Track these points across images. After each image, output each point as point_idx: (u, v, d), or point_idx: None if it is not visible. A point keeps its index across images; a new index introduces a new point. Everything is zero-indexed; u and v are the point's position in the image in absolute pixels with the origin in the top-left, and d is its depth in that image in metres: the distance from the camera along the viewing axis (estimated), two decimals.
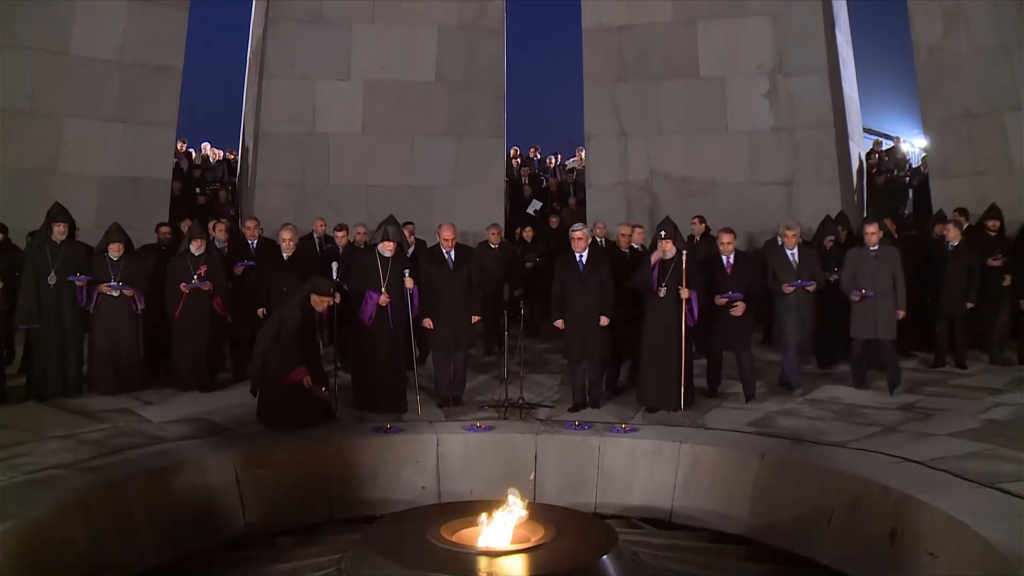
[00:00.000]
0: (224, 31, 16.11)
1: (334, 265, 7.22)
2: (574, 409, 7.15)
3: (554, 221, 11.09)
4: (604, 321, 7.11)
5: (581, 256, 7.21)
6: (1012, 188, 9.36)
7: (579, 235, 7.24)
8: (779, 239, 9.40)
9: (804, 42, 11.05)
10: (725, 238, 7.37)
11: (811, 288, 7.43)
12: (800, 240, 7.79)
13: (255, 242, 8.41)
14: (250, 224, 8.63)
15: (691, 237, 9.43)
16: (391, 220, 7.38)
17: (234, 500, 5.78)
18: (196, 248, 7.62)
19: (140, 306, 7.47)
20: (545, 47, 19.48)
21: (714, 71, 11.33)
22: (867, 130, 13.39)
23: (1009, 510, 4.64)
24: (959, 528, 4.51)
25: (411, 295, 7.12)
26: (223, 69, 15.48)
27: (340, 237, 8.93)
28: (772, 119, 11.14)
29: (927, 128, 11.03)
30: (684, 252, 6.94)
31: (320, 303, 6.69)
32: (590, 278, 7.14)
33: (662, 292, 6.94)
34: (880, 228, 7.45)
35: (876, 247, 7.36)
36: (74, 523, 4.85)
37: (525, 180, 13.37)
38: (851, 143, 11.51)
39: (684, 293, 6.87)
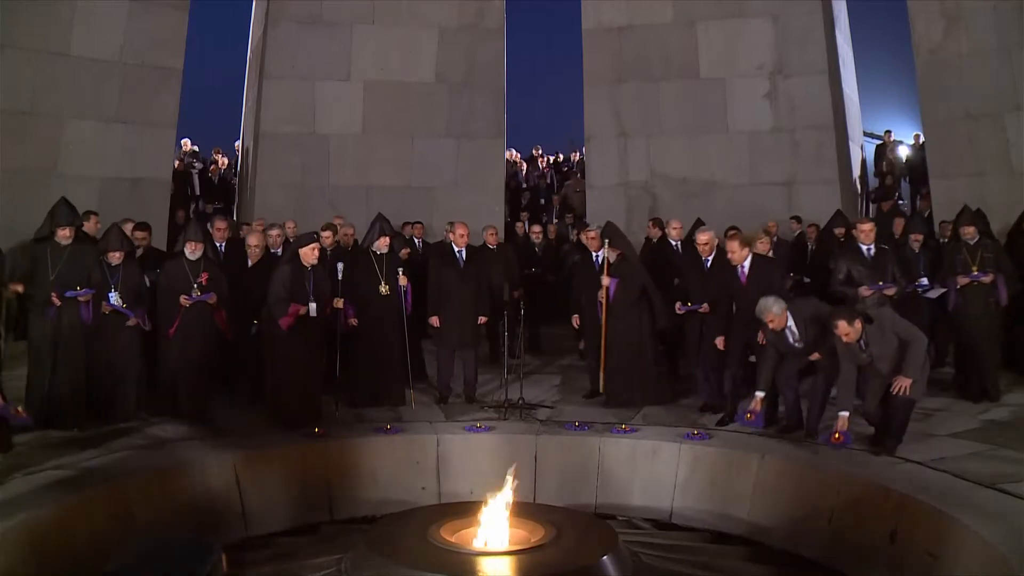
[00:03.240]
0: (224, 32, 16.11)
1: (339, 265, 7.24)
2: (589, 396, 7.45)
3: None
4: None
5: (597, 255, 7.44)
6: (1012, 189, 9.36)
7: (593, 235, 7.54)
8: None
9: (804, 43, 11.05)
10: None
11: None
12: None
13: (223, 245, 7.87)
14: (220, 225, 8.01)
15: (647, 240, 9.42)
16: (381, 218, 7.50)
17: (234, 500, 5.78)
18: (192, 252, 6.76)
19: (147, 325, 6.66)
20: (545, 48, 19.48)
21: (714, 72, 11.33)
22: (867, 134, 13.38)
23: (1009, 511, 4.64)
24: (959, 529, 4.51)
25: (405, 292, 7.21)
26: (223, 70, 15.47)
27: (327, 237, 8.07)
28: (772, 120, 11.14)
29: (927, 129, 11.03)
30: (607, 243, 7.18)
31: (310, 254, 6.75)
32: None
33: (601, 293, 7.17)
34: (851, 321, 5.67)
35: (863, 338, 5.75)
36: (74, 523, 4.85)
37: (524, 222, 12.10)
38: (851, 144, 11.52)
39: (604, 281, 7.09)
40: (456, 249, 7.53)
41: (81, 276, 6.33)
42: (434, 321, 7.43)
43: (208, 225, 8.18)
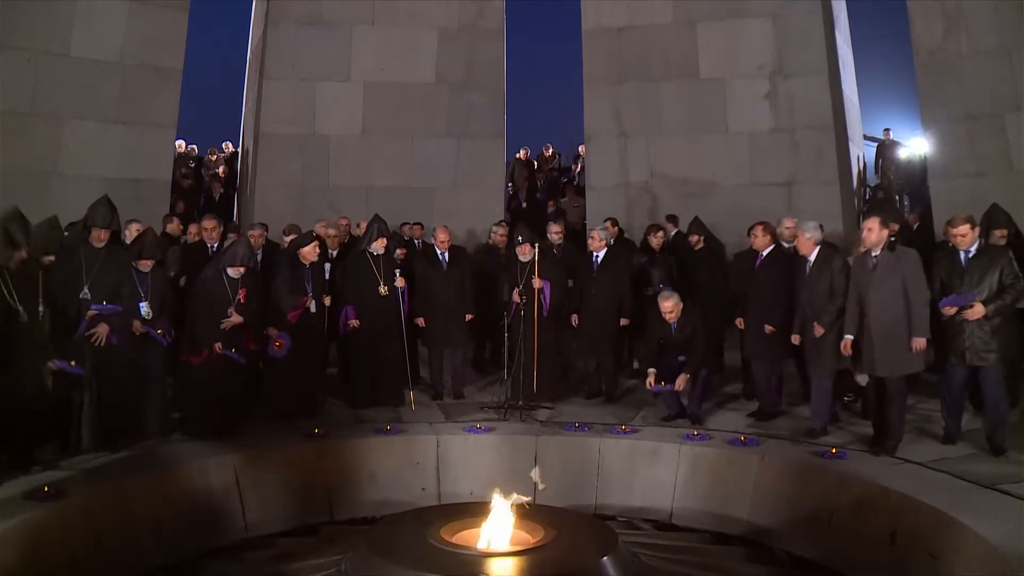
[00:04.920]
0: (224, 32, 16.12)
1: (327, 265, 7.31)
2: (588, 396, 7.56)
3: None
4: (623, 321, 7.52)
5: (597, 256, 7.55)
6: (1012, 189, 9.33)
7: (594, 235, 7.68)
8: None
9: (804, 43, 11.04)
10: (667, 305, 6.66)
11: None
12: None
13: (214, 245, 7.57)
14: (208, 225, 7.67)
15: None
16: (377, 219, 7.55)
17: (234, 501, 5.79)
18: (236, 272, 6.46)
19: (169, 338, 6.35)
20: (545, 48, 19.48)
21: (714, 72, 11.32)
22: (868, 137, 13.35)
23: (1009, 511, 4.65)
24: (959, 529, 4.52)
25: (402, 293, 7.26)
26: (223, 70, 15.47)
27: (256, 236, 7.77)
28: (772, 120, 11.12)
29: (927, 130, 11.03)
30: (537, 245, 7.29)
31: (310, 253, 6.96)
32: (603, 277, 7.35)
33: (525, 295, 7.26)
34: (883, 225, 5.80)
35: (877, 253, 5.82)
36: (74, 523, 4.85)
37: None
38: (851, 144, 11.51)
39: (536, 283, 7.19)
40: (439, 252, 7.67)
41: (113, 285, 5.97)
42: (420, 321, 7.57)
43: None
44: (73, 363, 5.50)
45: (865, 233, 5.79)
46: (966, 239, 5.80)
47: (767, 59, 11.12)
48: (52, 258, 5.97)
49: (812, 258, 6.31)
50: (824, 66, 10.99)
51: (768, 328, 6.58)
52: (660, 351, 6.80)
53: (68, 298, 5.78)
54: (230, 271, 6.47)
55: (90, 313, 5.78)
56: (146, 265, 6.23)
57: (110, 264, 6.02)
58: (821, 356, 6.20)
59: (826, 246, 6.44)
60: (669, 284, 7.92)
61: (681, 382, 6.59)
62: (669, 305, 6.66)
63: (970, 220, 5.86)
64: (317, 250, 7.12)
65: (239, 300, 6.43)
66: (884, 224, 5.76)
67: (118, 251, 6.26)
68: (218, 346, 6.32)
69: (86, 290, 5.86)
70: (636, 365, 8.01)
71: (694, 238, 8.40)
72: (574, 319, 7.64)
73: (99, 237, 6.00)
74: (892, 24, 12.38)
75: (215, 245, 7.60)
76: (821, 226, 6.69)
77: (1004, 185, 9.51)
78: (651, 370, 6.72)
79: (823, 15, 11.07)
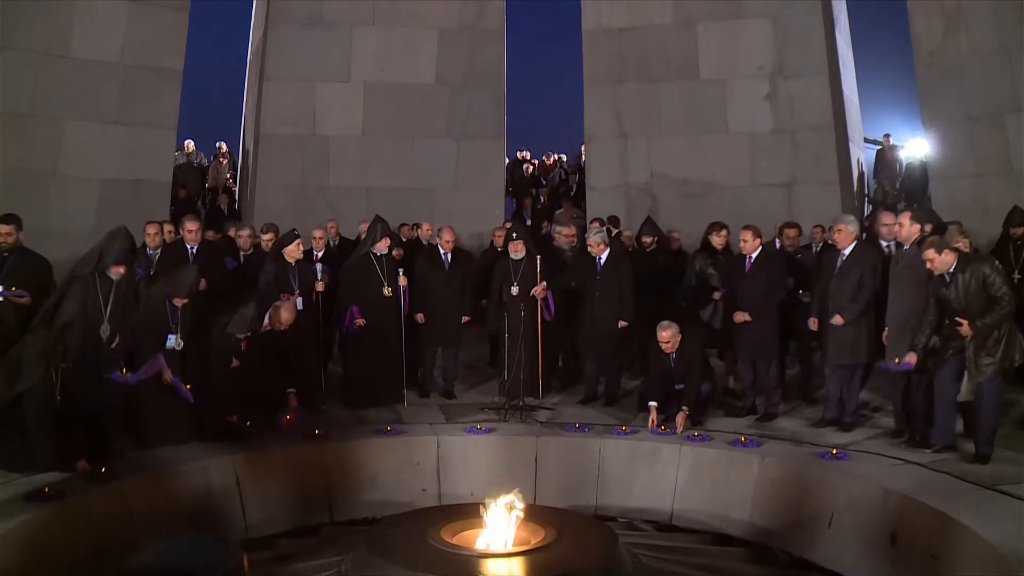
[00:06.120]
0: (224, 32, 16.14)
1: (319, 267, 7.34)
2: (584, 402, 7.42)
3: None
4: (622, 324, 7.39)
5: (600, 258, 7.47)
6: (1012, 190, 9.33)
7: (591, 241, 7.58)
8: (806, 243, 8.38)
9: (804, 44, 11.05)
10: (664, 335, 6.51)
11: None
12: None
13: (194, 247, 7.42)
14: (191, 227, 7.39)
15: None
16: (379, 219, 7.58)
17: (234, 502, 5.78)
18: (243, 334, 6.31)
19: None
20: (545, 49, 19.50)
21: (714, 73, 11.33)
22: (869, 140, 13.35)
23: (1010, 512, 4.65)
24: (959, 530, 4.52)
25: (404, 292, 7.28)
26: (223, 71, 15.49)
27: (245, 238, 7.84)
28: (772, 121, 11.13)
29: (927, 130, 11.04)
30: (539, 257, 7.29)
31: (295, 251, 6.96)
32: (608, 279, 7.35)
33: (515, 290, 7.26)
34: (913, 220, 6.03)
35: (907, 247, 6.02)
36: (74, 525, 4.85)
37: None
38: (851, 145, 11.52)
39: (540, 293, 7.21)
40: (442, 252, 7.67)
41: (128, 319, 5.90)
42: (419, 318, 7.55)
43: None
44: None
45: (897, 228, 6.10)
46: (934, 263, 5.52)
47: (767, 59, 11.12)
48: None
49: (847, 251, 6.39)
50: (824, 66, 11.00)
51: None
52: (660, 378, 6.76)
53: (91, 329, 5.67)
54: (239, 335, 6.32)
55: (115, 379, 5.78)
56: (181, 302, 6.17)
57: (124, 297, 5.90)
58: (840, 345, 6.34)
59: (861, 242, 6.53)
60: (730, 284, 7.57)
61: (681, 422, 6.47)
62: (667, 335, 6.50)
63: (934, 244, 5.54)
64: (300, 248, 7.13)
65: (240, 347, 6.32)
66: (915, 219, 6.00)
67: (131, 284, 6.06)
68: (235, 419, 6.24)
69: (106, 324, 5.74)
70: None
71: (647, 240, 8.31)
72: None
73: (118, 272, 5.83)
74: (892, 24, 12.41)
75: (194, 248, 7.43)
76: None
77: (1004, 185, 9.53)
78: (652, 404, 6.62)
79: (823, 15, 11.08)
